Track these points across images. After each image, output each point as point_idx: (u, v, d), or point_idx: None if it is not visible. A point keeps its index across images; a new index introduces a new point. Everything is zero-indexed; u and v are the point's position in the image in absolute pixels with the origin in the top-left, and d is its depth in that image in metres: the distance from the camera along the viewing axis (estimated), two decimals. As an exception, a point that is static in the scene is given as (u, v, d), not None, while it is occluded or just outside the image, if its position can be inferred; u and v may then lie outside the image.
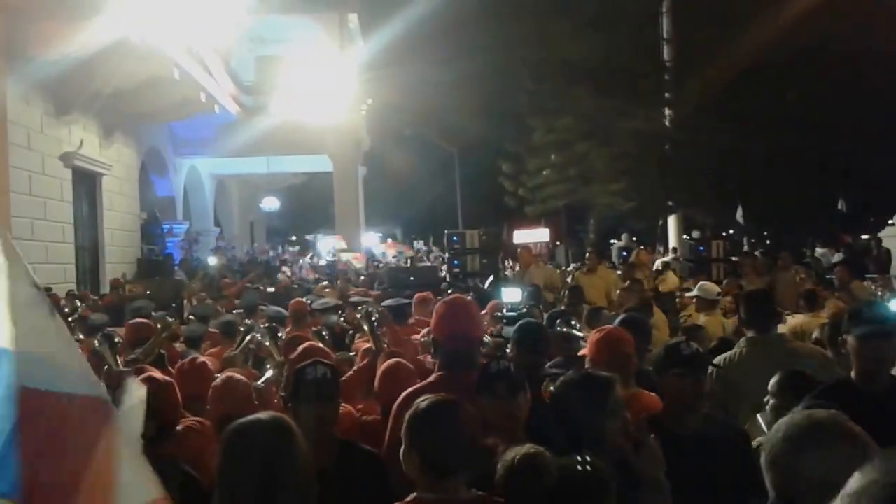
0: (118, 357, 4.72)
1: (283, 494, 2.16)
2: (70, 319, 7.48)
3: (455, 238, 13.66)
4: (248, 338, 5.28)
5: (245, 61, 18.98)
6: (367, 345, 4.80)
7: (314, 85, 18.77)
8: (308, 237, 26.90)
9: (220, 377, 3.75)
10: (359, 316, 5.23)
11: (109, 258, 15.46)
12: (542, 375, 3.61)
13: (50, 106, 13.07)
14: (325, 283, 13.21)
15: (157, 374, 3.68)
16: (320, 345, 4.79)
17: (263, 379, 4.38)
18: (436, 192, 32.63)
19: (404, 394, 3.17)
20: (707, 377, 3.18)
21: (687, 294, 9.15)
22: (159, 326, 5.41)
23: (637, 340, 3.73)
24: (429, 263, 18.56)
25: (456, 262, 13.29)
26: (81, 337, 5.94)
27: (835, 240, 23.40)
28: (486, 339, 4.69)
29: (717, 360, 4.08)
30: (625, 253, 16.40)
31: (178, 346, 5.93)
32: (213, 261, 19.31)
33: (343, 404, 3.31)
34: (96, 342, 4.58)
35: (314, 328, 6.32)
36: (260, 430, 2.25)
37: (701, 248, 13.58)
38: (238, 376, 3.79)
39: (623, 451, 2.57)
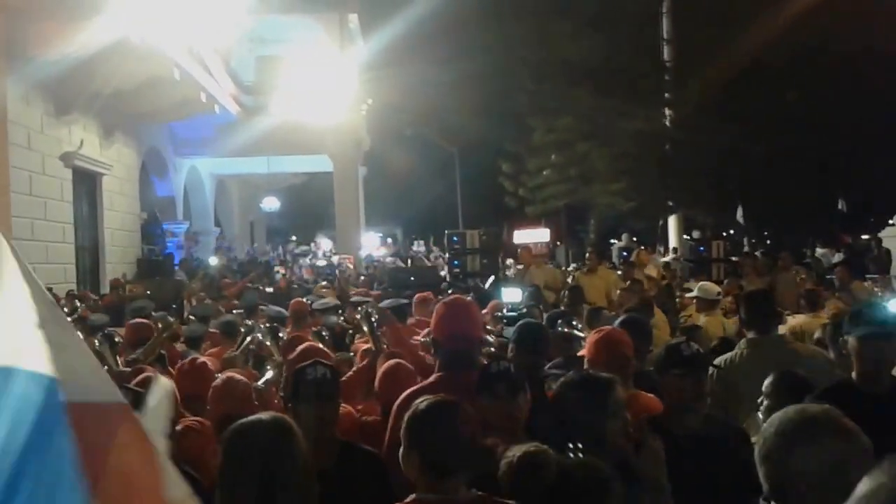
0: (118, 357, 4.72)
1: (284, 494, 2.16)
2: (70, 320, 7.47)
3: (455, 238, 13.67)
4: (248, 338, 5.28)
5: (245, 61, 18.98)
6: (367, 345, 4.80)
7: (314, 85, 18.76)
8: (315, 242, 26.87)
9: (221, 377, 3.75)
10: (358, 317, 5.23)
11: (109, 258, 15.46)
12: (542, 376, 3.62)
13: (50, 106, 13.07)
14: (324, 283, 13.22)
15: (155, 374, 3.67)
16: (320, 345, 4.79)
17: (264, 379, 4.38)
18: (436, 192, 32.62)
19: (404, 394, 3.17)
20: (708, 378, 3.18)
21: (687, 294, 9.15)
22: (160, 326, 5.41)
23: (637, 341, 3.73)
24: (429, 264, 18.57)
25: (456, 262, 13.30)
26: (81, 337, 5.93)
27: (835, 240, 23.40)
28: (490, 339, 4.69)
29: (718, 360, 4.08)
30: (625, 253, 16.38)
31: (179, 347, 5.93)
32: (213, 261, 19.32)
33: (343, 405, 3.31)
34: (96, 342, 4.58)
35: (314, 328, 6.32)
36: (261, 430, 2.25)
37: (701, 248, 13.58)
38: (238, 376, 3.79)
39: (624, 452, 2.57)
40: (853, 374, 3.23)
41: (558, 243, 25.48)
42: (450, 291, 8.74)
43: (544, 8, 20.69)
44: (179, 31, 12.85)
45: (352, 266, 18.13)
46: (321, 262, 20.08)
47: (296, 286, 13.61)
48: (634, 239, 23.80)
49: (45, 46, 11.47)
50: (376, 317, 4.75)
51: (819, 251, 21.83)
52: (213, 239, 22.91)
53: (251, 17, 16.57)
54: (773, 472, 1.78)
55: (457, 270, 13.10)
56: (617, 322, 4.32)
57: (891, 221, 18.12)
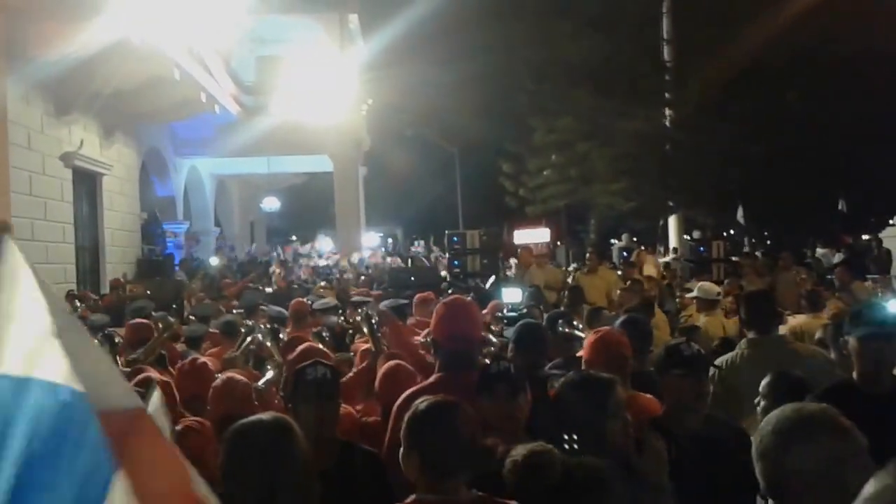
0: (118, 357, 4.72)
1: (284, 494, 2.16)
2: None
3: (455, 238, 13.66)
4: (248, 339, 5.27)
5: (245, 61, 18.96)
6: (367, 346, 4.80)
7: (314, 85, 18.76)
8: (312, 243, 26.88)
9: (221, 377, 3.75)
10: (359, 318, 5.23)
11: (109, 258, 15.45)
12: (542, 376, 3.61)
13: (50, 106, 13.06)
14: (324, 283, 13.22)
15: (154, 374, 3.68)
16: (319, 346, 4.79)
17: (264, 380, 4.38)
18: (436, 192, 32.61)
19: (404, 395, 3.17)
20: (708, 378, 3.18)
21: (687, 295, 9.15)
22: (160, 327, 5.41)
23: (637, 341, 3.73)
24: (428, 264, 18.56)
25: (456, 262, 13.29)
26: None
27: (835, 240, 23.39)
28: (493, 338, 4.69)
29: (719, 361, 4.08)
30: (625, 253, 16.38)
31: (179, 347, 5.93)
32: (214, 261, 19.32)
33: (343, 405, 3.31)
34: (96, 342, 4.57)
35: (314, 329, 6.32)
36: (261, 430, 2.25)
37: (701, 248, 13.57)
38: (238, 377, 3.79)
39: (626, 452, 2.57)
40: (854, 375, 3.23)
41: (558, 243, 25.48)
42: (450, 291, 8.74)
43: (544, 8, 20.69)
44: (179, 31, 12.84)
45: (348, 267, 18.13)
46: (323, 263, 20.07)
47: (296, 286, 13.61)
48: (635, 239, 23.80)
49: (45, 46, 11.46)
50: (376, 319, 4.75)
51: (819, 251, 21.83)
52: (213, 239, 22.90)
53: (251, 17, 16.56)
54: (769, 470, 1.79)
55: (457, 270, 13.09)
56: (617, 322, 4.32)
57: (891, 221, 18.16)
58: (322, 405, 2.92)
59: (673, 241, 21.70)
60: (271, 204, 29.56)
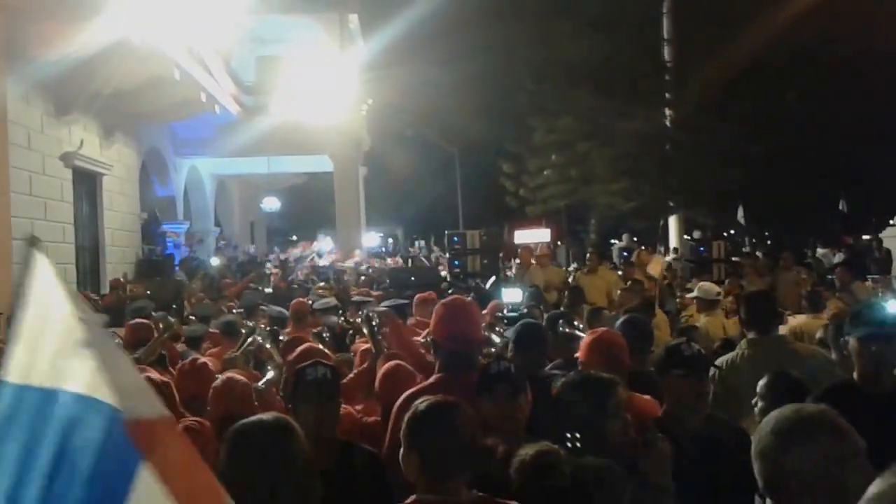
0: (118, 357, 4.70)
1: (285, 494, 2.16)
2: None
3: (456, 238, 13.66)
4: (248, 339, 5.27)
5: (245, 61, 18.95)
6: (366, 346, 4.79)
7: (314, 85, 18.75)
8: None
9: (221, 378, 3.75)
10: (359, 319, 5.22)
11: (110, 258, 15.44)
12: (542, 376, 3.61)
13: (50, 106, 13.06)
14: (323, 283, 13.21)
15: (153, 374, 3.68)
16: (319, 346, 4.79)
17: (264, 380, 4.37)
18: (436, 192, 32.61)
19: (404, 395, 3.17)
20: (709, 378, 3.18)
21: (687, 295, 9.15)
22: (160, 327, 5.40)
23: (638, 341, 3.73)
24: (428, 264, 18.55)
25: (456, 262, 13.29)
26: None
27: (836, 240, 23.38)
28: (495, 338, 4.68)
29: (719, 361, 4.07)
30: (626, 253, 16.37)
31: (179, 347, 5.93)
32: (214, 261, 19.31)
33: (344, 405, 3.31)
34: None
35: (314, 329, 6.32)
36: (262, 430, 2.25)
37: (702, 248, 13.57)
38: (238, 377, 3.79)
39: (630, 452, 2.57)
40: (854, 375, 3.22)
41: (559, 243, 25.48)
42: (450, 291, 8.74)
43: (544, 8, 20.69)
44: (179, 31, 12.84)
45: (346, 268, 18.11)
46: (323, 263, 20.05)
47: (296, 286, 13.61)
48: (635, 239, 23.79)
49: (45, 46, 11.46)
50: (376, 320, 4.74)
51: (820, 251, 21.83)
52: (213, 239, 22.89)
53: (251, 17, 16.56)
54: (767, 470, 1.80)
55: (457, 271, 13.09)
56: (617, 323, 4.32)
57: (892, 222, 18.15)
58: (322, 405, 2.92)
59: (673, 242, 21.70)
60: (271, 204, 29.54)
